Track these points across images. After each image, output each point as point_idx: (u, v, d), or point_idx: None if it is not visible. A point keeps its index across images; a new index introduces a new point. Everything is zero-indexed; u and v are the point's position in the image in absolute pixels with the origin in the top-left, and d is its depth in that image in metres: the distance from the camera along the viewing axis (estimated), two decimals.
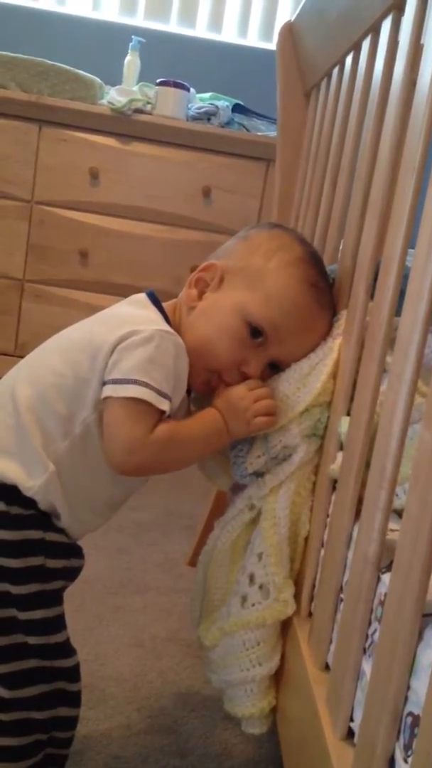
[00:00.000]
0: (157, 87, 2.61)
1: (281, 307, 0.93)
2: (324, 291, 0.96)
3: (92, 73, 2.63)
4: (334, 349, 0.92)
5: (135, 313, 0.94)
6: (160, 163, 2.63)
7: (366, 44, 0.97)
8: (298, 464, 0.92)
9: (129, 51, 2.79)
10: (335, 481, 0.86)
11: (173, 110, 2.58)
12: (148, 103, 2.60)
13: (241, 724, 0.99)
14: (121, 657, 1.32)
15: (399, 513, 0.71)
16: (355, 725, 0.69)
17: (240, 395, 0.92)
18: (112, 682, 1.24)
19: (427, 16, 0.74)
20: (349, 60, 1.08)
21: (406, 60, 0.77)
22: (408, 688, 0.58)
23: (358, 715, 0.68)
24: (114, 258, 2.67)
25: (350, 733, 0.71)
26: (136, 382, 0.83)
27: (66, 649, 0.90)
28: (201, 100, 2.75)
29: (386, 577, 0.67)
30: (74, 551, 0.92)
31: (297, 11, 1.43)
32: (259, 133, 2.64)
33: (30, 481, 0.85)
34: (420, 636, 0.57)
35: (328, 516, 0.89)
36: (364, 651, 0.70)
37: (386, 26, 0.87)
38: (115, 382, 0.84)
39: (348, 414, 0.86)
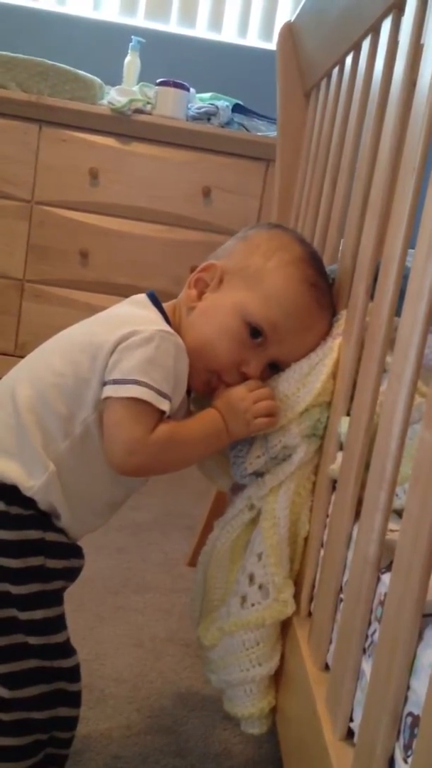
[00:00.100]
0: (157, 87, 2.61)
1: (281, 307, 0.93)
2: (323, 291, 0.96)
3: (92, 73, 2.63)
4: (333, 349, 0.92)
5: (135, 314, 0.94)
6: (160, 163, 2.63)
7: (366, 44, 0.97)
8: (297, 464, 0.92)
9: (129, 51, 2.79)
10: (335, 481, 0.86)
11: (173, 110, 2.58)
12: (148, 103, 2.60)
13: (241, 724, 0.99)
14: (120, 657, 1.32)
15: (399, 513, 0.71)
16: (355, 725, 0.69)
17: (240, 396, 0.92)
18: (112, 682, 1.24)
19: (427, 16, 0.74)
20: (349, 60, 1.08)
21: (406, 60, 0.77)
22: (408, 688, 0.58)
23: (357, 716, 0.68)
24: (114, 258, 2.67)
25: (350, 734, 0.71)
26: (136, 382, 0.83)
27: (66, 649, 0.90)
28: (201, 100, 2.75)
29: (386, 577, 0.67)
30: (74, 551, 0.92)
31: (297, 11, 1.43)
32: (259, 133, 2.64)
33: (30, 481, 0.85)
34: (420, 636, 0.57)
35: (327, 516, 0.89)
36: (364, 651, 0.70)
37: (386, 26, 0.87)
38: (116, 382, 0.84)
39: (348, 414, 0.86)
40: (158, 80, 2.61)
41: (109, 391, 0.85)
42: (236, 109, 2.71)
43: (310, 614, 0.91)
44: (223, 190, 2.65)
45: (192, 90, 2.69)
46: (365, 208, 0.88)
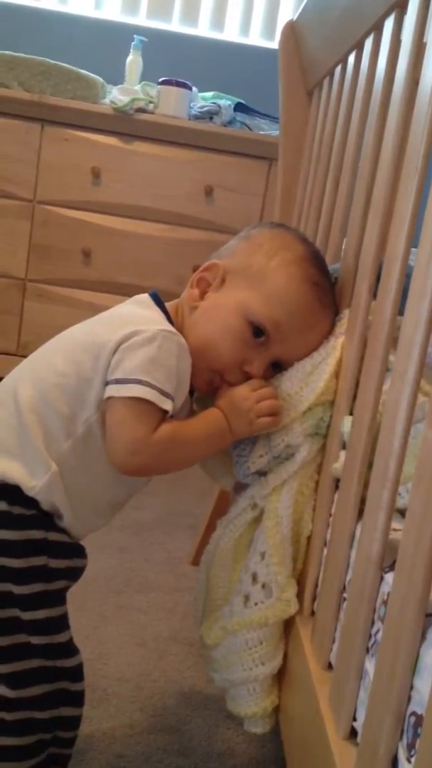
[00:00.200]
0: (159, 86, 2.61)
1: (283, 306, 0.93)
2: (326, 290, 0.96)
3: (94, 72, 2.63)
4: (336, 348, 0.92)
5: (138, 313, 0.94)
6: (162, 163, 2.63)
7: (368, 43, 0.97)
8: (300, 463, 0.92)
9: (131, 50, 2.79)
10: (338, 480, 0.86)
11: (175, 109, 2.58)
12: (151, 102, 2.60)
13: (244, 724, 0.99)
14: (123, 656, 1.32)
15: (402, 512, 0.71)
16: (358, 725, 0.69)
17: (243, 395, 0.92)
18: (115, 681, 1.25)
19: (430, 14, 0.74)
20: (351, 59, 1.08)
21: (409, 58, 0.77)
22: (411, 687, 0.58)
23: (361, 715, 0.68)
24: (116, 257, 2.67)
25: (353, 733, 0.71)
26: (138, 381, 0.83)
27: (69, 649, 0.90)
28: (203, 99, 2.75)
29: (389, 577, 0.67)
30: (77, 551, 0.92)
31: (299, 10, 1.43)
32: (262, 132, 2.64)
33: (32, 481, 0.85)
34: (423, 636, 0.57)
35: (330, 515, 0.89)
36: (367, 650, 0.70)
37: (389, 25, 0.86)
38: (118, 381, 0.84)
39: (351, 413, 0.86)
40: (160, 79, 2.61)
41: (112, 390, 0.85)
42: (238, 108, 2.71)
43: (313, 613, 0.91)
44: (225, 189, 2.65)
45: (194, 89, 2.69)
46: (368, 207, 0.88)
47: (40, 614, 0.86)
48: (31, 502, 0.86)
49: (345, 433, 0.85)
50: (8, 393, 0.90)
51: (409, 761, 0.56)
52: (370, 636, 0.69)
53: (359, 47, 1.03)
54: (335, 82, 1.21)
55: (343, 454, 0.85)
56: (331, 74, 1.25)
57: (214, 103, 2.67)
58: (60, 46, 2.95)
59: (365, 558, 0.70)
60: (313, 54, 1.38)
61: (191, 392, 0.96)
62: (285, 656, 0.94)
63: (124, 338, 0.86)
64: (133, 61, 2.78)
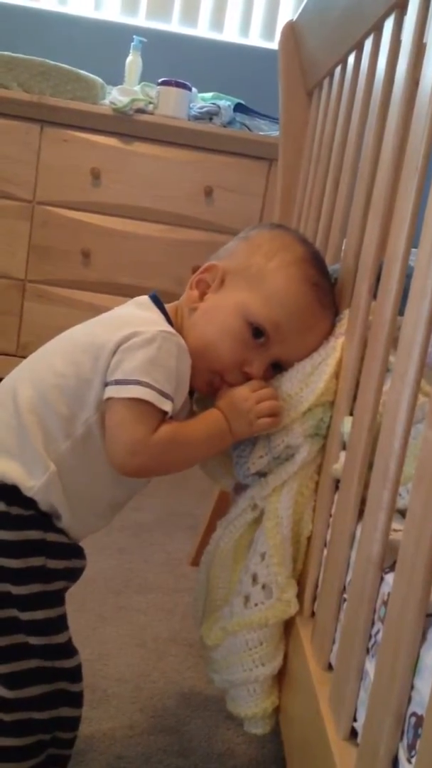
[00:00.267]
0: (158, 87, 2.61)
1: (282, 307, 0.93)
2: (326, 290, 0.96)
3: (94, 73, 2.63)
4: (336, 348, 0.92)
5: (137, 315, 0.94)
6: (162, 163, 2.63)
7: (368, 43, 0.97)
8: (300, 464, 0.92)
9: (131, 51, 2.79)
10: (338, 481, 0.86)
11: (175, 110, 2.58)
12: (150, 102, 2.60)
13: (244, 724, 0.99)
14: (123, 657, 1.32)
15: (402, 513, 0.71)
16: (358, 725, 0.69)
17: (243, 396, 0.92)
18: (115, 682, 1.24)
19: (430, 14, 0.74)
20: (351, 59, 1.08)
21: (409, 59, 0.77)
22: (411, 688, 0.58)
23: (361, 716, 0.68)
24: (116, 258, 2.67)
25: (353, 734, 0.71)
26: (138, 382, 0.83)
27: (68, 650, 0.90)
28: (203, 99, 2.75)
29: (389, 577, 0.67)
30: (75, 552, 0.92)
31: (299, 10, 1.43)
32: (261, 133, 2.64)
33: (31, 481, 0.85)
34: (423, 636, 0.57)
35: (331, 516, 0.89)
36: (368, 651, 0.70)
37: (389, 25, 0.86)
38: (118, 382, 0.84)
39: (351, 414, 0.86)
40: (160, 80, 2.61)
41: (111, 391, 0.85)
42: (238, 108, 2.71)
43: (313, 614, 0.91)
44: (225, 190, 2.65)
45: (194, 89, 2.69)
46: (368, 208, 0.88)
47: (39, 615, 0.86)
48: (29, 503, 0.86)
49: (345, 434, 0.85)
50: (8, 393, 0.90)
51: (409, 762, 0.56)
52: (370, 636, 0.69)
53: (359, 48, 1.03)
54: (335, 82, 1.21)
55: (343, 455, 0.85)
56: (331, 75, 1.25)
57: (213, 103, 2.67)
58: (59, 47, 2.96)
59: (365, 558, 0.70)
60: (313, 54, 1.38)
61: (191, 393, 0.96)
62: (285, 657, 0.94)
63: (123, 339, 0.86)
64: (133, 61, 2.78)
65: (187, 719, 1.18)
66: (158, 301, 0.97)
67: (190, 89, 2.63)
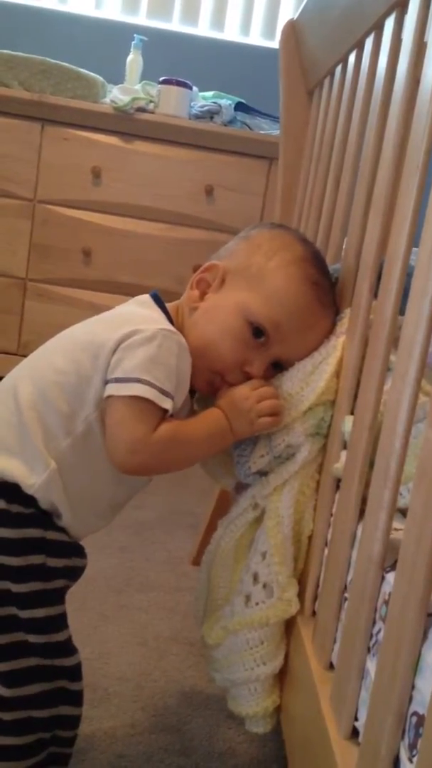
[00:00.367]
0: (159, 85, 2.61)
1: (282, 306, 0.93)
2: (326, 290, 0.96)
3: (95, 71, 2.63)
4: (337, 347, 0.92)
5: (138, 313, 0.94)
6: (162, 162, 2.63)
7: (369, 42, 0.97)
8: (301, 463, 0.92)
9: (131, 49, 2.79)
10: (339, 480, 0.86)
11: (176, 109, 2.58)
12: (151, 101, 2.60)
13: (245, 723, 0.99)
14: (124, 656, 1.32)
15: (403, 512, 0.71)
16: (360, 724, 0.69)
17: (243, 395, 0.92)
18: (116, 681, 1.25)
19: (430, 13, 0.74)
20: (352, 58, 1.08)
21: (410, 58, 0.77)
22: (413, 687, 0.58)
23: (362, 715, 0.68)
24: (117, 257, 2.67)
25: (355, 733, 0.71)
26: (138, 380, 0.83)
27: (67, 648, 0.90)
28: (203, 98, 2.75)
29: (390, 577, 0.67)
30: (76, 550, 0.92)
31: (300, 9, 1.43)
32: (262, 132, 2.64)
33: (31, 478, 0.85)
34: (425, 635, 0.57)
35: (331, 515, 0.89)
36: (369, 650, 0.70)
37: (389, 24, 0.86)
38: (118, 380, 0.85)
39: (352, 413, 0.86)
40: (161, 78, 2.61)
41: (112, 389, 0.85)
42: (239, 107, 2.71)
43: (314, 613, 0.91)
44: (225, 189, 2.65)
45: (195, 88, 2.69)
46: (368, 207, 0.88)
47: (38, 613, 0.86)
48: (29, 501, 0.86)
49: (346, 433, 0.85)
50: (8, 391, 0.90)
51: (410, 761, 0.56)
52: (371, 636, 0.69)
53: (360, 46, 1.03)
54: (336, 81, 1.21)
55: (344, 454, 0.85)
56: (332, 74, 1.25)
57: (214, 102, 2.67)
58: (60, 46, 2.95)
59: (366, 558, 0.70)
60: (314, 53, 1.38)
61: (192, 393, 0.96)
62: (286, 656, 0.94)
63: (123, 337, 0.86)
64: (134, 60, 2.78)
65: (188, 718, 1.18)
66: (159, 300, 0.97)
67: (190, 88, 2.63)
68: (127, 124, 2.58)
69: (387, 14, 0.87)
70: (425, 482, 0.56)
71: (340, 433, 0.87)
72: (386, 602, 0.67)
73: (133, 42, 2.79)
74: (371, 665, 0.68)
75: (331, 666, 0.82)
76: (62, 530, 0.89)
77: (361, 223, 0.92)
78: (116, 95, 2.58)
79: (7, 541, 0.84)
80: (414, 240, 0.71)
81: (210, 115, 2.63)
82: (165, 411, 0.85)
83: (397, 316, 0.73)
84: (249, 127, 2.66)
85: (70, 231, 2.64)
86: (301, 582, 0.94)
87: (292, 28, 1.49)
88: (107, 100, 2.61)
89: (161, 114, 2.58)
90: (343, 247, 1.04)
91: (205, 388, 0.96)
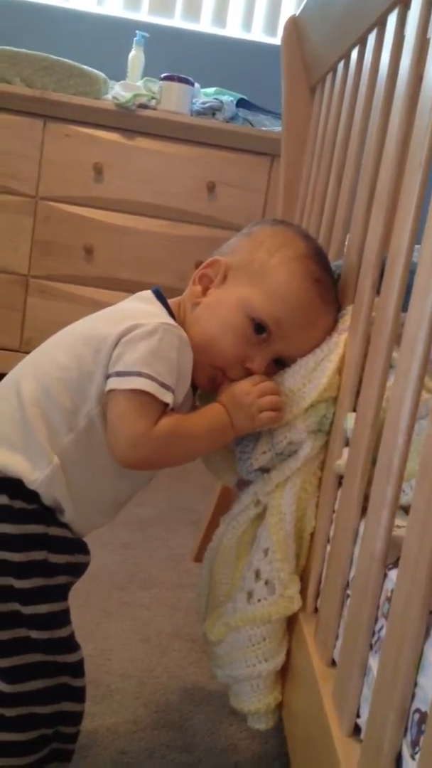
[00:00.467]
0: (161, 82, 2.60)
1: (284, 302, 0.93)
2: (328, 286, 0.96)
3: (96, 68, 2.63)
4: (339, 344, 0.92)
5: (139, 308, 0.94)
6: (164, 159, 2.63)
7: (372, 38, 0.96)
8: (303, 460, 0.92)
9: (133, 46, 2.78)
10: (341, 477, 0.86)
11: (177, 105, 2.58)
12: (153, 98, 2.60)
13: (247, 720, 0.99)
14: (127, 652, 1.32)
15: (406, 509, 0.71)
16: (362, 721, 0.69)
17: (245, 390, 0.92)
18: (118, 677, 1.25)
19: None
20: (354, 54, 1.08)
21: (412, 54, 0.77)
22: (415, 684, 0.58)
23: (364, 712, 0.68)
24: (118, 253, 2.66)
25: (357, 730, 0.71)
26: (139, 374, 0.84)
27: (70, 644, 0.90)
28: (205, 95, 2.75)
29: (393, 574, 0.67)
30: (78, 547, 0.92)
31: (302, 5, 1.42)
32: (264, 128, 2.64)
33: (34, 474, 0.85)
34: (427, 632, 0.57)
35: (334, 512, 0.89)
36: (371, 647, 0.70)
37: (392, 20, 0.86)
38: (119, 374, 0.85)
39: (354, 410, 0.86)
40: (162, 75, 2.61)
41: (113, 383, 0.85)
42: (241, 104, 2.71)
43: (316, 610, 0.91)
44: (227, 186, 2.65)
45: (196, 85, 2.69)
46: (371, 203, 0.88)
47: (41, 609, 0.86)
48: (32, 497, 0.86)
49: (348, 430, 0.85)
50: (11, 388, 0.90)
51: (413, 758, 0.56)
52: (373, 633, 0.69)
53: (362, 43, 1.03)
54: (338, 77, 1.21)
55: (346, 451, 0.85)
56: (334, 70, 1.25)
57: (216, 99, 2.66)
58: (62, 42, 2.95)
59: (369, 555, 0.70)
60: (316, 50, 1.38)
61: (194, 389, 0.96)
62: (288, 653, 0.94)
63: (125, 331, 0.86)
64: (135, 56, 2.78)
65: (190, 714, 1.18)
66: (161, 296, 0.97)
67: (192, 84, 2.63)
68: (129, 121, 2.58)
69: (389, 10, 0.87)
70: (428, 479, 0.56)
71: (343, 430, 0.87)
72: (388, 599, 0.67)
73: (134, 38, 2.78)
74: (373, 662, 0.68)
75: (333, 663, 0.82)
76: (65, 526, 0.89)
77: (363, 220, 0.92)
78: (118, 92, 2.58)
79: (9, 536, 0.85)
80: (417, 236, 0.71)
81: (212, 111, 2.63)
82: (166, 404, 0.85)
83: (400, 312, 0.73)
84: (251, 124, 2.66)
85: (72, 228, 2.64)
86: (303, 579, 0.94)
87: (294, 24, 1.49)
88: (109, 96, 2.61)
89: (163, 110, 2.58)
90: (346, 243, 1.03)
91: (207, 383, 0.96)
